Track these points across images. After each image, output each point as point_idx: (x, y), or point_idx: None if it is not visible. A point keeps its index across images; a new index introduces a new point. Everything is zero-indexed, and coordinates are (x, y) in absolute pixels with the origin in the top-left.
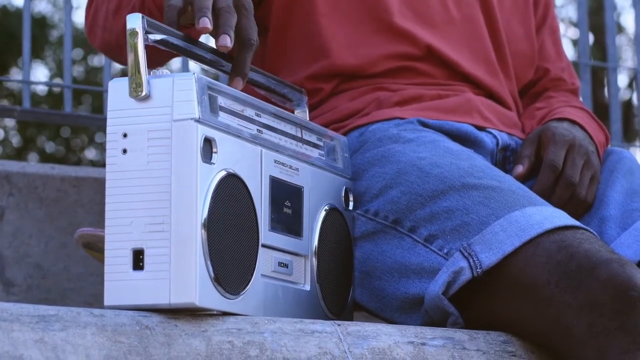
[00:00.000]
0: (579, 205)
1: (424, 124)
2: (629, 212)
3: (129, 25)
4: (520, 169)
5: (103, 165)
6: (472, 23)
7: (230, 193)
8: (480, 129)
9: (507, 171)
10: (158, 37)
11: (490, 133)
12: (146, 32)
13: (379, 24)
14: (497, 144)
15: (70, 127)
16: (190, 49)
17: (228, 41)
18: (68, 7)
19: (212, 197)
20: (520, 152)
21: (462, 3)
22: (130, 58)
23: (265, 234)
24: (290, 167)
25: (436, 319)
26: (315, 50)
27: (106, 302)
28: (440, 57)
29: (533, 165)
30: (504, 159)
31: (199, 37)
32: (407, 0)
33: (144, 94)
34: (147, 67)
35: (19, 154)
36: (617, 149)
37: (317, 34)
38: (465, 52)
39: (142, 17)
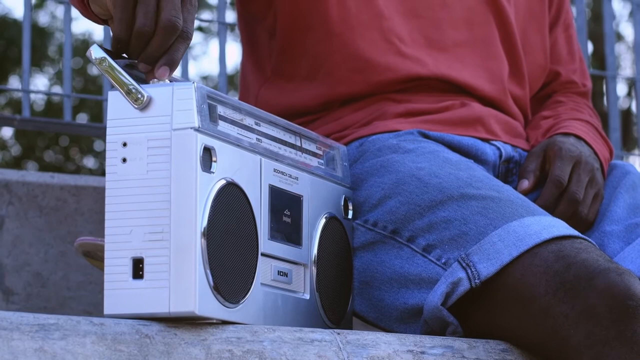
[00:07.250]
0: (580, 222)
1: (425, 135)
2: (632, 227)
3: (95, 56)
4: (525, 184)
5: (102, 173)
6: (486, 43)
7: (230, 202)
8: (484, 140)
9: (509, 183)
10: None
11: (494, 145)
12: (110, 53)
13: (389, 47)
14: (500, 156)
15: (70, 136)
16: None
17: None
18: (67, 17)
19: (212, 206)
20: (524, 166)
21: (476, 23)
22: (112, 81)
23: (265, 243)
24: (290, 175)
25: (436, 329)
26: (325, 75)
27: (106, 311)
28: (452, 82)
29: (538, 180)
30: (507, 171)
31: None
32: (417, 25)
33: (143, 103)
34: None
35: (18, 163)
36: (621, 163)
37: (329, 56)
38: (479, 73)
39: (101, 46)
